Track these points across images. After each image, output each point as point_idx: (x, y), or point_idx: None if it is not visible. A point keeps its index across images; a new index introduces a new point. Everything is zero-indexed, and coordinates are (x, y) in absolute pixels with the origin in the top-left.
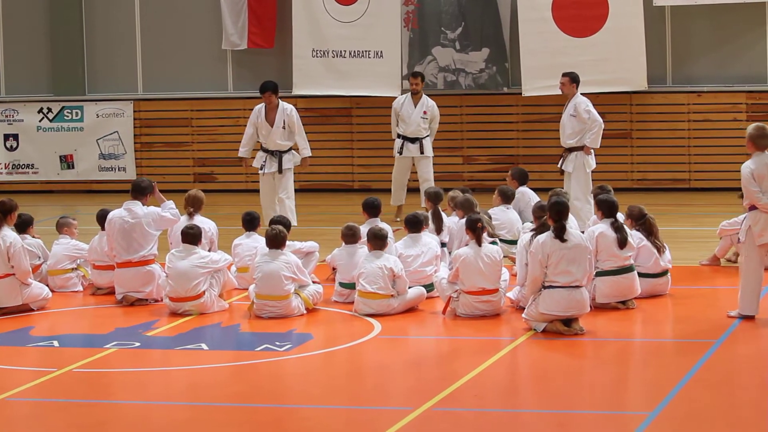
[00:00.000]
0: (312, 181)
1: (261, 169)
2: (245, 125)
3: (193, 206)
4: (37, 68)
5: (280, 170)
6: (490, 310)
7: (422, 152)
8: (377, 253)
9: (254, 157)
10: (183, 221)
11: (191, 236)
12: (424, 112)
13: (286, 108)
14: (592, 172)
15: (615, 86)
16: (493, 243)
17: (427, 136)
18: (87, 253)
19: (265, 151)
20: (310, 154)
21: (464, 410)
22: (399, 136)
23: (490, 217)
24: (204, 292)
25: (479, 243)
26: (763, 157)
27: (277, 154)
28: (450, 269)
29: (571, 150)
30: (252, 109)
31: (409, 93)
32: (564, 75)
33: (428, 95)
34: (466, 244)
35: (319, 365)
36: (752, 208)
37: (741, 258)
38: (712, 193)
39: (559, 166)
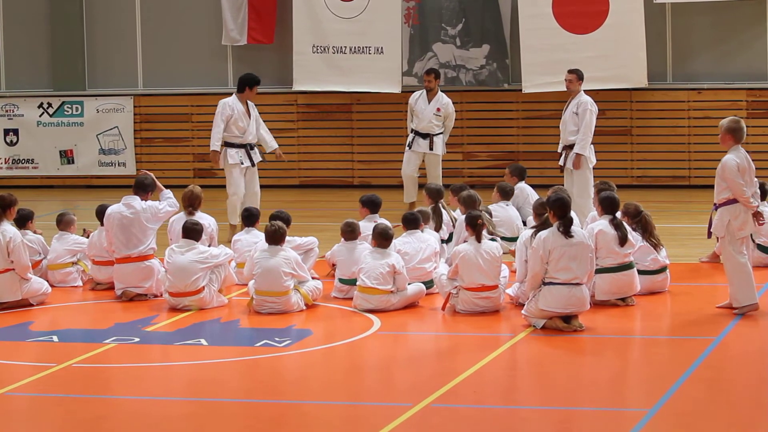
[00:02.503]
0: (312, 177)
1: (242, 164)
2: None
3: (192, 205)
4: (38, 63)
5: (253, 162)
6: (489, 306)
7: (431, 149)
8: (382, 251)
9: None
10: (183, 218)
11: (193, 231)
12: (438, 110)
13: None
14: (593, 168)
15: (615, 83)
16: (493, 240)
17: (440, 133)
18: (86, 248)
19: (241, 146)
20: (278, 145)
21: (463, 407)
22: (412, 130)
23: (490, 214)
24: (203, 288)
25: (479, 239)
26: (741, 150)
27: (251, 147)
28: (449, 265)
29: (572, 147)
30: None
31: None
32: (571, 72)
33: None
34: (465, 241)
35: (319, 361)
36: (730, 202)
37: (723, 253)
38: (712, 190)
39: (560, 163)
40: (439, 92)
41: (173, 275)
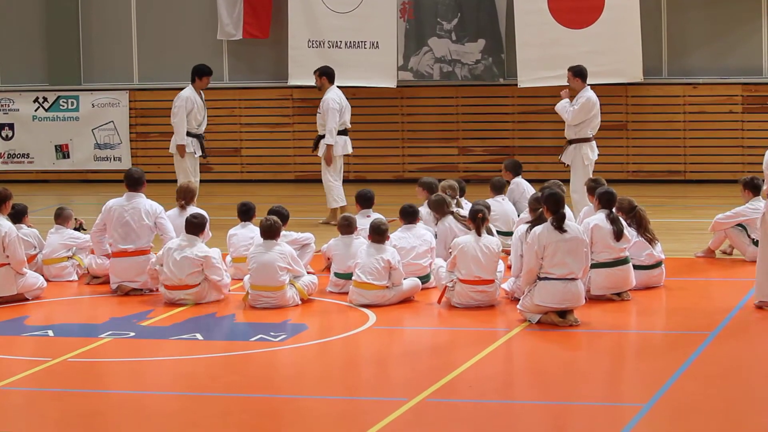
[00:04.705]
0: (308, 171)
1: (195, 153)
2: (240, 115)
3: (184, 198)
4: (33, 58)
5: (204, 153)
6: (485, 300)
7: (314, 150)
8: (377, 246)
9: None
10: (175, 213)
11: (195, 225)
12: (319, 108)
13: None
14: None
15: (611, 78)
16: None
17: (325, 134)
18: (89, 240)
19: (194, 135)
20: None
21: (459, 401)
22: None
23: (488, 209)
24: (200, 282)
25: (479, 233)
26: None
27: (202, 138)
28: (449, 256)
29: (571, 142)
30: (248, 99)
31: None
32: (568, 69)
33: (425, 86)
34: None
35: (314, 356)
36: None
37: (760, 242)
38: (707, 185)
39: (559, 158)
40: (329, 89)
41: (169, 269)
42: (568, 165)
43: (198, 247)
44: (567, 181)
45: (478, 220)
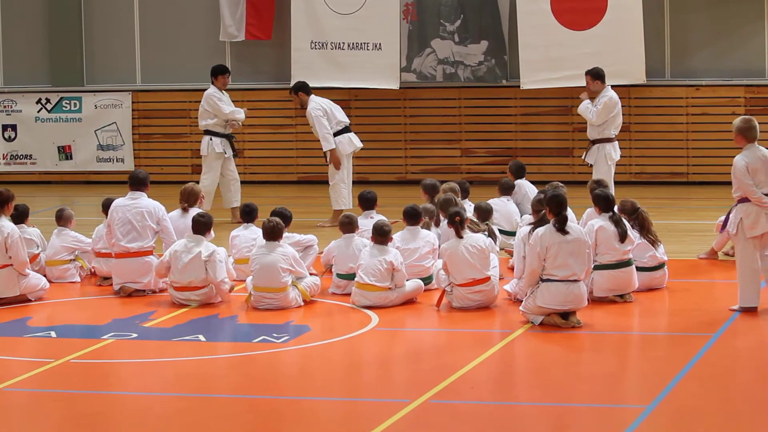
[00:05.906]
0: (310, 173)
1: (225, 153)
2: None
3: (187, 201)
4: (36, 59)
5: (235, 152)
6: (483, 300)
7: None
8: (380, 247)
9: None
10: (177, 215)
11: (202, 224)
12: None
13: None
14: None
15: (613, 79)
16: (490, 234)
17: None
18: (92, 241)
19: (223, 135)
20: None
21: (461, 402)
22: None
23: (490, 211)
24: (208, 284)
25: (459, 235)
26: (755, 149)
27: (231, 137)
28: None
29: (594, 142)
30: (251, 101)
31: None
32: (586, 73)
33: (428, 87)
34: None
35: (317, 357)
36: (742, 200)
37: (736, 251)
38: (710, 186)
39: (582, 158)
40: (309, 101)
41: (177, 271)
42: (591, 165)
43: (205, 246)
44: (571, 183)
45: (456, 224)
